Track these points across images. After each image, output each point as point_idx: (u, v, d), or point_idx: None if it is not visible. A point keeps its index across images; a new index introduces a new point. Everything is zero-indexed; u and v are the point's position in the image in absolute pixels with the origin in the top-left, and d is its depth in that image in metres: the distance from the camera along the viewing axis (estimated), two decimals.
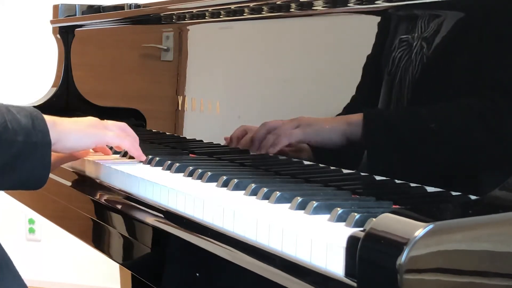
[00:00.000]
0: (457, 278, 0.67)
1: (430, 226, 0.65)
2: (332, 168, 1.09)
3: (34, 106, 1.96)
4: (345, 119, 1.07)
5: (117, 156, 1.38)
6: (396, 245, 0.65)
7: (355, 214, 0.80)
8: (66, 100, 2.02)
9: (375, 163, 1.02)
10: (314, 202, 0.88)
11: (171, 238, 1.01)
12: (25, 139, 1.07)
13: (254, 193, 0.99)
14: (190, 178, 1.14)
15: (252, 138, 1.25)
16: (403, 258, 0.64)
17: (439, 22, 0.95)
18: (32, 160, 1.08)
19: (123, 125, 1.28)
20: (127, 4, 1.94)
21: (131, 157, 1.34)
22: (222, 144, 1.37)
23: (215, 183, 1.08)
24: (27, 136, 1.07)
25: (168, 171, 1.20)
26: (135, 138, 1.28)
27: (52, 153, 1.11)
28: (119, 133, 1.24)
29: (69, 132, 1.16)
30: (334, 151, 1.09)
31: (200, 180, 1.11)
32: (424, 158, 0.96)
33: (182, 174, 1.17)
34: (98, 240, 1.34)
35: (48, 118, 1.12)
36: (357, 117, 1.05)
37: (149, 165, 1.27)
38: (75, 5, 2.06)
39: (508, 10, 0.87)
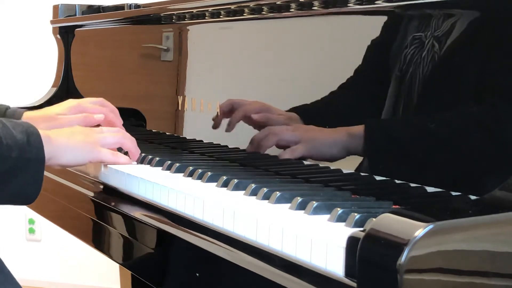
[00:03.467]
0: (457, 278, 0.67)
1: (430, 226, 0.65)
2: (332, 168, 1.09)
3: (34, 106, 1.98)
4: (346, 131, 1.07)
5: None
6: (396, 245, 0.65)
7: (355, 214, 0.80)
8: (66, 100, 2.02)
9: (375, 163, 1.02)
10: (314, 202, 0.88)
11: (171, 238, 1.01)
12: (19, 155, 1.05)
13: (254, 193, 0.99)
14: (190, 178, 1.14)
15: (254, 143, 1.25)
16: (403, 258, 0.64)
17: (440, 22, 0.95)
18: (25, 176, 1.06)
19: (118, 137, 1.24)
20: (127, 4, 1.94)
21: None
22: (222, 144, 1.37)
23: (215, 183, 1.08)
24: (21, 152, 1.05)
25: (168, 171, 1.20)
26: (132, 143, 1.26)
27: None
28: (114, 149, 1.23)
29: (64, 149, 1.15)
30: (336, 159, 1.09)
31: (200, 180, 1.11)
32: (424, 158, 0.96)
33: (182, 174, 1.17)
34: (98, 240, 1.34)
35: (43, 134, 1.10)
36: (359, 129, 1.04)
37: (149, 165, 1.27)
38: (75, 5, 2.06)
39: None
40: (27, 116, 1.39)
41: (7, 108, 1.49)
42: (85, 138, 1.19)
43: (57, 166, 1.19)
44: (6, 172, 1.04)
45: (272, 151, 1.21)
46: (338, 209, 0.83)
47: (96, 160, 1.21)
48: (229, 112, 1.32)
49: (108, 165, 1.26)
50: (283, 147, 1.18)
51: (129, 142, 1.26)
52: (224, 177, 1.07)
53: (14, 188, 1.06)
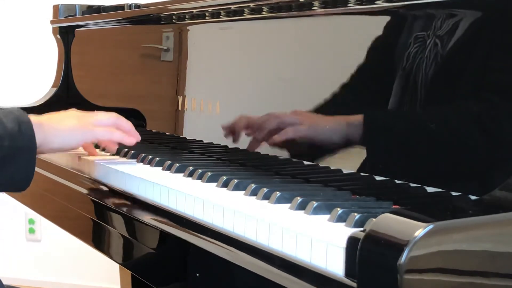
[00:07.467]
0: (457, 278, 0.67)
1: (430, 226, 0.65)
2: (332, 168, 1.09)
3: (34, 106, 1.98)
4: (345, 120, 1.07)
5: (118, 156, 1.38)
6: (396, 246, 0.65)
7: (355, 214, 0.80)
8: (66, 100, 2.02)
9: (375, 163, 1.02)
10: (314, 202, 0.88)
11: (171, 238, 1.01)
12: (10, 144, 1.06)
13: (254, 193, 0.99)
14: (190, 178, 1.14)
15: (253, 127, 1.24)
16: (403, 258, 0.64)
17: (439, 22, 0.95)
18: (16, 164, 1.07)
19: (113, 118, 1.25)
20: (127, 4, 1.94)
21: (132, 157, 1.34)
22: (222, 144, 1.37)
23: (215, 183, 1.08)
24: (12, 141, 1.06)
25: (168, 171, 1.20)
26: (128, 124, 1.26)
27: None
28: (108, 128, 1.23)
29: (55, 134, 1.15)
30: (334, 151, 1.09)
31: (200, 180, 1.11)
32: (424, 158, 0.96)
33: (182, 174, 1.17)
34: (98, 240, 1.34)
35: (34, 120, 1.11)
36: (357, 118, 1.05)
37: (149, 165, 1.27)
38: (75, 5, 2.06)
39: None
40: None
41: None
42: (78, 121, 1.19)
43: (49, 151, 1.19)
44: None
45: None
46: (338, 209, 0.83)
47: (90, 140, 1.22)
48: (246, 128, 1.29)
49: (107, 165, 1.26)
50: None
51: (126, 123, 1.26)
52: (224, 177, 1.07)
53: (5, 176, 1.06)
